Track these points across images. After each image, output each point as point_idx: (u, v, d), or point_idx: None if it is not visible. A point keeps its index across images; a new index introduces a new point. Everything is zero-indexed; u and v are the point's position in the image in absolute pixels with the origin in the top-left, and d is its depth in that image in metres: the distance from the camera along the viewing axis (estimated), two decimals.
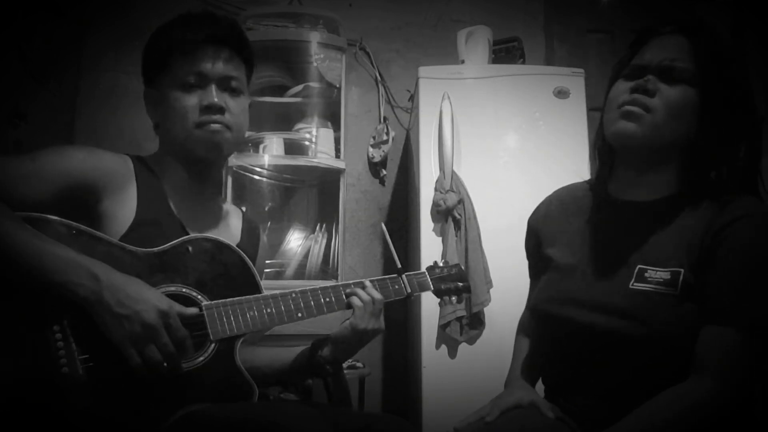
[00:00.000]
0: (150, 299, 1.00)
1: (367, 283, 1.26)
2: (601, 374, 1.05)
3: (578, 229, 1.15)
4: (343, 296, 1.23)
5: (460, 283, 1.40)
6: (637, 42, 1.10)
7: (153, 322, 0.99)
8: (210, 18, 1.24)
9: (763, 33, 2.91)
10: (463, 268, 1.46)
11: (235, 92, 1.22)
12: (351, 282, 1.26)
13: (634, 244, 1.06)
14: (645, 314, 0.99)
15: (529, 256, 1.28)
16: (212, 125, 1.18)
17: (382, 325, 1.25)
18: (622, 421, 0.96)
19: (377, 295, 1.24)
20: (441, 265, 1.41)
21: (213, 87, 1.19)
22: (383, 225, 1.44)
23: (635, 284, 1.02)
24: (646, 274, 1.01)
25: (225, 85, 1.20)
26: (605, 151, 1.15)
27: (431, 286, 1.36)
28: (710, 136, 1.03)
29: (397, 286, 1.30)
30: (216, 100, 1.17)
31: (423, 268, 1.39)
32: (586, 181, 1.23)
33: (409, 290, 1.31)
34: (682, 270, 0.99)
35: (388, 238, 1.37)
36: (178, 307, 1.04)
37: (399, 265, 1.33)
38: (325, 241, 2.62)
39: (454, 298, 1.43)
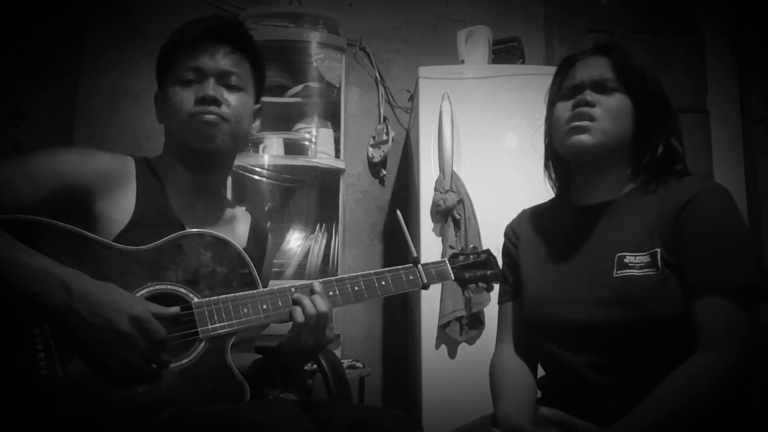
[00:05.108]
0: (121, 306, 0.97)
1: (317, 287, 1.14)
2: (607, 365, 1.06)
3: (549, 240, 1.22)
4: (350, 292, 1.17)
5: (489, 271, 1.32)
6: (562, 68, 1.23)
7: (125, 329, 0.96)
8: (213, 17, 1.25)
9: (763, 33, 2.91)
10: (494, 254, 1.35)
11: (234, 88, 1.21)
12: (299, 285, 1.13)
13: (606, 240, 1.12)
14: (634, 298, 1.04)
15: (504, 280, 1.30)
16: (206, 116, 1.16)
17: (326, 339, 1.14)
18: (636, 408, 0.95)
19: (322, 308, 1.12)
20: (467, 251, 1.34)
21: (210, 81, 1.19)
22: (399, 212, 1.35)
23: (618, 272, 1.07)
24: (626, 260, 1.07)
25: (224, 80, 1.20)
26: (559, 165, 1.26)
27: (452, 276, 1.29)
28: (646, 132, 1.15)
29: (411, 277, 1.24)
30: (211, 92, 1.17)
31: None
32: (549, 200, 1.32)
33: (425, 280, 1.24)
34: (659, 250, 1.05)
35: (404, 226, 1.30)
36: (156, 308, 1.01)
37: (414, 254, 1.25)
38: (324, 241, 2.62)
39: (483, 286, 1.33)
